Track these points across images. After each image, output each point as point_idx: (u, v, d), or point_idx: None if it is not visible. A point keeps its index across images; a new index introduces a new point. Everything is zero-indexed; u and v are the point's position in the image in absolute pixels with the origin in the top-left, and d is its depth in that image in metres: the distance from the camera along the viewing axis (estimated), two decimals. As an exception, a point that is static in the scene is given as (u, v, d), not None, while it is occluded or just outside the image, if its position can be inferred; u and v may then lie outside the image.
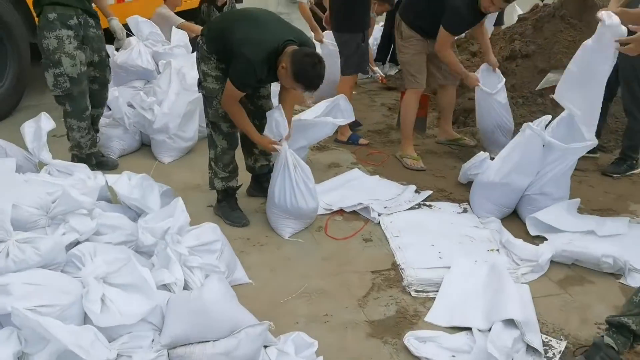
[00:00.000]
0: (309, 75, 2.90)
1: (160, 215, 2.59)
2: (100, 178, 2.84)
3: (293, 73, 2.89)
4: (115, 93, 4.23)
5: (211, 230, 2.69)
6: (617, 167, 4.21)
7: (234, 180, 3.42)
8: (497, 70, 4.30)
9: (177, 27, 5.77)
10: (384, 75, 6.32)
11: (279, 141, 3.21)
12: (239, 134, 3.41)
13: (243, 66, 2.93)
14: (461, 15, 3.92)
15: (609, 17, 3.04)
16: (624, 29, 3.02)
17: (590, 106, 3.30)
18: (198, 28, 6.06)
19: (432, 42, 4.12)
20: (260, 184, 3.69)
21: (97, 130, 4.03)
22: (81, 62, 3.63)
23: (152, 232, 2.49)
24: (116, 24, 4.04)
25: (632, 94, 4.03)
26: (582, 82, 3.28)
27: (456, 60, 4.18)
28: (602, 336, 2.27)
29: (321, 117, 3.86)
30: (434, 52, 4.14)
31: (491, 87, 4.24)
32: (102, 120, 4.30)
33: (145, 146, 4.43)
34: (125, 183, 2.91)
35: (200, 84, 3.25)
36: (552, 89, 4.64)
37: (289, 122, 3.28)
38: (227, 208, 3.42)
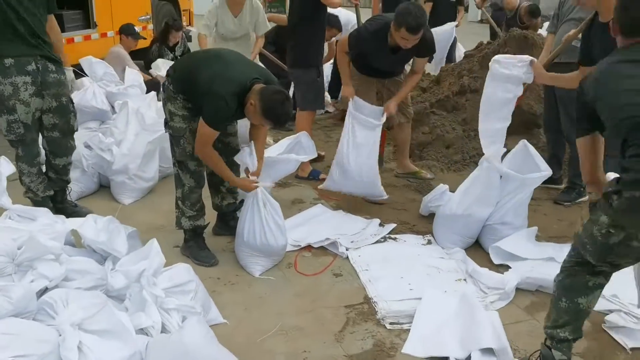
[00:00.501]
0: (277, 112, 2.95)
1: (135, 258, 2.54)
2: (66, 222, 2.77)
3: (262, 110, 2.94)
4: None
5: (185, 271, 2.66)
6: (567, 195, 4.40)
7: (202, 219, 3.39)
8: (385, 115, 4.13)
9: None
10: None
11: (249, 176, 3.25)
12: (205, 172, 3.41)
13: (216, 103, 2.95)
14: (359, 35, 4.05)
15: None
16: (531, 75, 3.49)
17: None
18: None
19: (380, 81, 4.26)
20: (227, 222, 3.68)
21: (67, 182, 3.85)
22: (36, 108, 3.52)
23: (126, 274, 2.43)
24: (69, 75, 3.84)
25: (573, 122, 4.24)
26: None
27: (346, 65, 4.18)
28: (550, 349, 2.42)
29: (284, 154, 3.89)
30: (388, 92, 4.28)
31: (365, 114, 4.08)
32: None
33: (103, 187, 4.34)
34: (92, 226, 2.85)
35: (166, 123, 3.25)
36: None
37: (261, 158, 3.32)
38: (195, 247, 3.39)
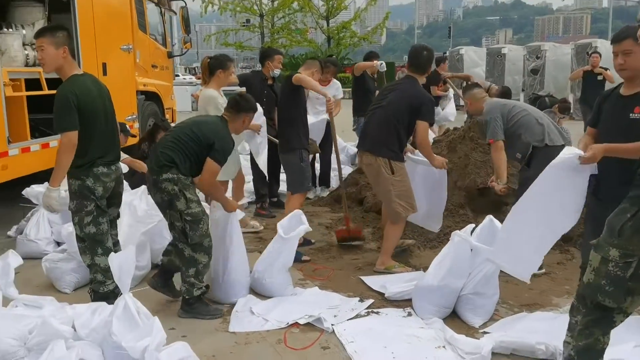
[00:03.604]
0: (246, 103, 4.08)
1: (138, 335, 2.74)
2: (75, 307, 2.99)
3: (244, 111, 4.03)
4: (69, 229, 4.39)
5: (183, 348, 2.87)
6: None
7: (205, 286, 3.94)
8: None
9: (122, 162, 6.08)
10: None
11: None
12: None
13: (227, 145, 3.87)
14: (433, 103, 4.70)
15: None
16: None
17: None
18: (141, 164, 6.39)
19: None
20: (166, 279, 4.12)
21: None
22: None
23: (132, 350, 2.63)
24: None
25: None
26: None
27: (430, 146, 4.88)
28: None
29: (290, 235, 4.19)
30: None
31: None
32: (55, 256, 4.46)
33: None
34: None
35: (181, 216, 3.76)
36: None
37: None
38: (201, 307, 3.88)
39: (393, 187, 4.60)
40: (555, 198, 3.14)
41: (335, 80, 7.66)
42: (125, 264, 2.89)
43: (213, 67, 5.21)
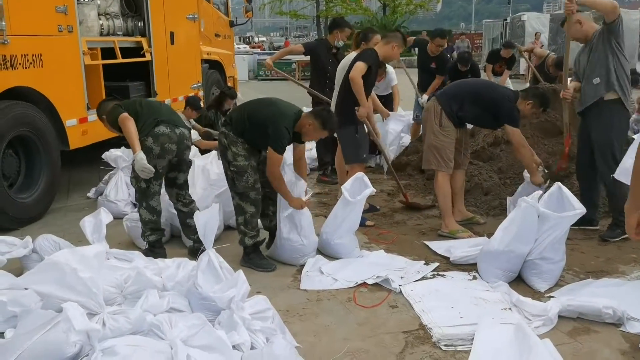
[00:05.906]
0: (331, 121, 4.09)
1: (225, 287, 2.93)
2: (165, 261, 3.23)
3: (321, 124, 4.01)
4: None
5: (263, 301, 3.05)
6: (612, 232, 4.72)
7: (259, 236, 4.26)
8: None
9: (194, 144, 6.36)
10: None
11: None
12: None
13: (281, 133, 3.94)
14: (517, 110, 4.71)
15: None
16: None
17: None
18: (213, 144, 6.67)
19: (460, 130, 4.89)
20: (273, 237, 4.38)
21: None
22: None
23: (220, 300, 2.83)
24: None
25: (608, 165, 4.55)
26: None
27: (530, 154, 4.83)
28: None
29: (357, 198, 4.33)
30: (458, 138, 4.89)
31: None
32: (135, 216, 4.73)
33: (174, 237, 4.82)
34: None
35: (229, 166, 4.11)
36: None
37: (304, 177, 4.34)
38: (256, 258, 4.20)
39: (434, 136, 4.84)
40: None
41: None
42: (210, 222, 3.09)
43: (360, 40, 5.63)
